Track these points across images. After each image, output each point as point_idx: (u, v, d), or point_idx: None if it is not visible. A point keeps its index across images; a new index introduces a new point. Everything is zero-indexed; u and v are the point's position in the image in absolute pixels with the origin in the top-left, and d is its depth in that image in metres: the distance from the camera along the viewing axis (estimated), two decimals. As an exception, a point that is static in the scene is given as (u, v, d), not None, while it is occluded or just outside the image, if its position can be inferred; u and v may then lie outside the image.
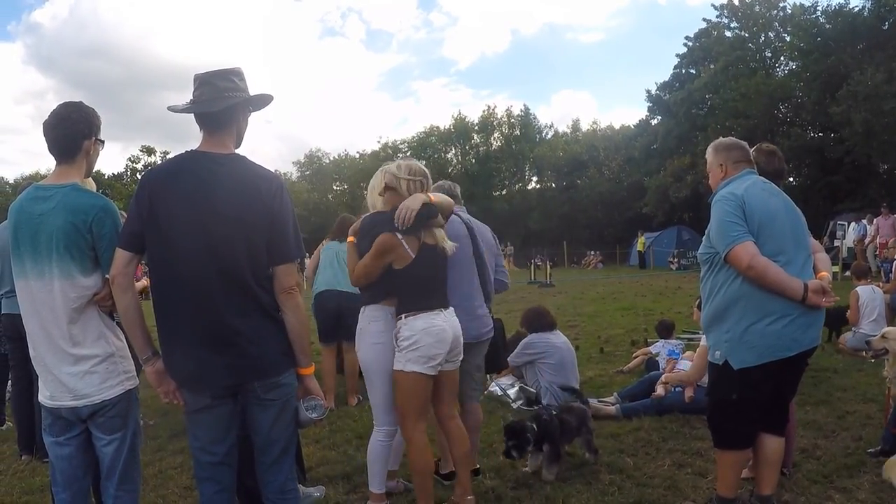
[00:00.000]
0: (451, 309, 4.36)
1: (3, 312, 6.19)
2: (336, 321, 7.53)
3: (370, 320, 4.40)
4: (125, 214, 3.30)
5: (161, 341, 3.25)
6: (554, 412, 5.27)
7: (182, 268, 3.11)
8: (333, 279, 7.65)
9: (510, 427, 5.11)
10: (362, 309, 4.47)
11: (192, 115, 3.26)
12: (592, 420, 5.62)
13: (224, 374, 3.17)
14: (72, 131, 3.36)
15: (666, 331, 9.11)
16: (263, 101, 3.42)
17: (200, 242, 3.08)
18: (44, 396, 3.34)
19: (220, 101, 3.21)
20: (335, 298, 7.50)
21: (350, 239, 4.41)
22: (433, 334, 4.15)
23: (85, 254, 3.25)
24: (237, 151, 3.33)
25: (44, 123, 3.38)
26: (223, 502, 3.39)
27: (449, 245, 4.32)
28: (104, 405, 3.30)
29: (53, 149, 3.38)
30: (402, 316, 4.17)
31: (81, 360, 3.26)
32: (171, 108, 3.31)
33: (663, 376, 7.22)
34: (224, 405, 3.27)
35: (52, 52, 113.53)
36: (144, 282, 4.55)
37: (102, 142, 3.51)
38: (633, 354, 9.40)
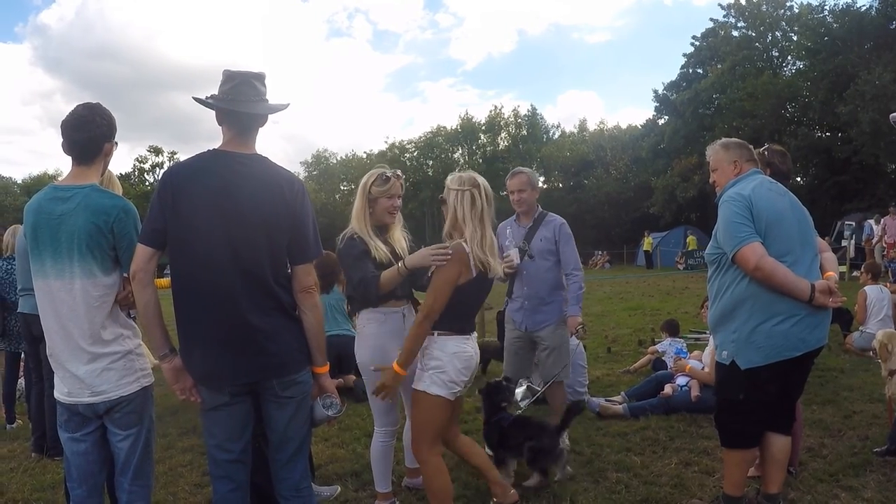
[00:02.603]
0: (475, 333, 4.29)
1: (17, 311, 6.25)
2: (337, 364, 7.75)
3: (365, 322, 4.45)
4: None
5: (180, 338, 3.28)
6: (505, 423, 5.20)
7: (204, 266, 3.14)
8: (331, 325, 7.94)
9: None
10: (358, 314, 4.51)
11: (214, 111, 3.28)
12: (554, 438, 5.01)
13: (243, 372, 3.21)
14: (95, 134, 3.41)
15: (672, 329, 9.12)
16: (283, 107, 3.43)
17: (223, 241, 3.12)
18: (61, 393, 3.38)
19: (262, 104, 3.27)
20: (335, 344, 7.64)
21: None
22: (462, 360, 4.03)
23: (106, 253, 3.30)
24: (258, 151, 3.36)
25: (63, 124, 3.41)
26: (236, 500, 3.41)
27: (499, 272, 4.25)
28: (121, 401, 3.35)
29: (74, 150, 3.42)
30: (435, 333, 4.00)
31: (100, 358, 3.30)
32: (201, 101, 3.29)
33: (675, 365, 7.42)
34: (241, 402, 3.31)
35: (59, 53, 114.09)
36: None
37: (117, 143, 3.56)
38: (649, 351, 9.36)
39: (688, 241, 36.72)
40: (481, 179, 4.09)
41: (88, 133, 3.40)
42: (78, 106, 3.47)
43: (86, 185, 3.36)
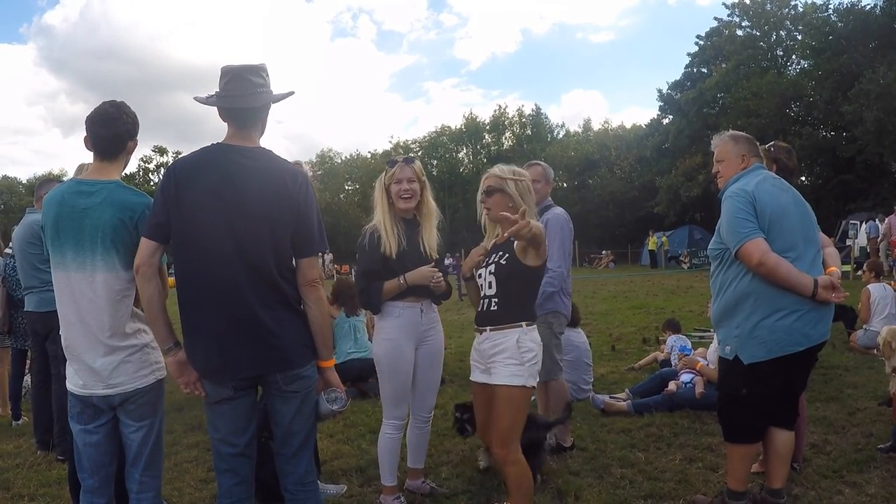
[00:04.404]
0: None
1: (25, 309, 6.28)
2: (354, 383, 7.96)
3: (382, 315, 4.48)
4: None
5: (184, 332, 3.29)
6: None
7: (207, 260, 3.14)
8: (355, 347, 8.25)
9: (461, 404, 5.27)
10: None
11: (216, 108, 3.29)
12: (542, 431, 4.94)
13: (247, 366, 3.21)
14: (121, 131, 3.47)
15: (674, 327, 9.13)
16: (286, 96, 3.43)
17: (226, 235, 3.12)
18: (75, 385, 3.40)
19: (255, 97, 3.25)
20: (356, 367, 7.97)
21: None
22: (543, 347, 3.99)
23: (129, 248, 3.32)
24: (262, 145, 3.37)
25: (89, 120, 3.46)
26: (241, 494, 3.41)
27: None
28: (137, 393, 3.38)
29: (99, 146, 3.46)
30: (524, 324, 3.89)
31: (117, 350, 3.33)
32: (199, 100, 3.33)
33: (680, 362, 7.44)
34: (245, 396, 3.32)
35: (64, 53, 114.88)
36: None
37: (137, 142, 3.61)
38: (661, 347, 9.36)
39: (662, 240, 37.59)
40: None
41: (115, 130, 3.45)
42: (104, 103, 3.51)
43: (111, 181, 3.41)
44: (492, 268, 3.99)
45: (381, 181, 4.51)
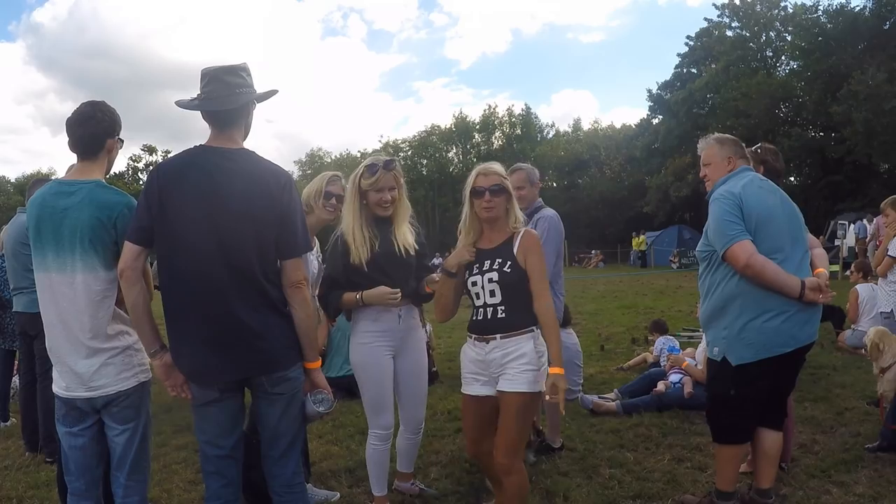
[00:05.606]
0: None
1: (14, 310, 6.25)
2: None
3: (358, 319, 4.37)
4: None
5: (170, 335, 3.28)
6: None
7: (191, 262, 3.13)
8: (349, 363, 8.03)
9: None
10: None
11: (200, 111, 3.27)
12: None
13: (232, 368, 3.20)
14: (97, 130, 3.44)
15: (661, 328, 9.15)
16: (269, 95, 3.42)
17: (210, 237, 3.11)
18: (59, 387, 3.39)
19: (232, 98, 3.23)
20: (346, 381, 7.75)
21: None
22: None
23: (108, 248, 3.31)
24: (245, 146, 3.35)
25: (67, 121, 3.45)
26: (228, 496, 3.40)
27: None
28: (119, 396, 3.35)
29: (77, 146, 3.46)
30: (534, 328, 3.75)
31: (99, 352, 3.31)
32: (180, 104, 3.32)
33: (669, 361, 7.45)
34: (231, 399, 3.31)
35: (53, 51, 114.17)
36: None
37: (122, 140, 3.59)
38: (651, 348, 9.32)
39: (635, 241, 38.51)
40: None
41: (90, 129, 3.44)
42: (82, 104, 3.51)
43: (90, 181, 3.39)
44: (492, 275, 3.77)
45: (355, 183, 4.26)
